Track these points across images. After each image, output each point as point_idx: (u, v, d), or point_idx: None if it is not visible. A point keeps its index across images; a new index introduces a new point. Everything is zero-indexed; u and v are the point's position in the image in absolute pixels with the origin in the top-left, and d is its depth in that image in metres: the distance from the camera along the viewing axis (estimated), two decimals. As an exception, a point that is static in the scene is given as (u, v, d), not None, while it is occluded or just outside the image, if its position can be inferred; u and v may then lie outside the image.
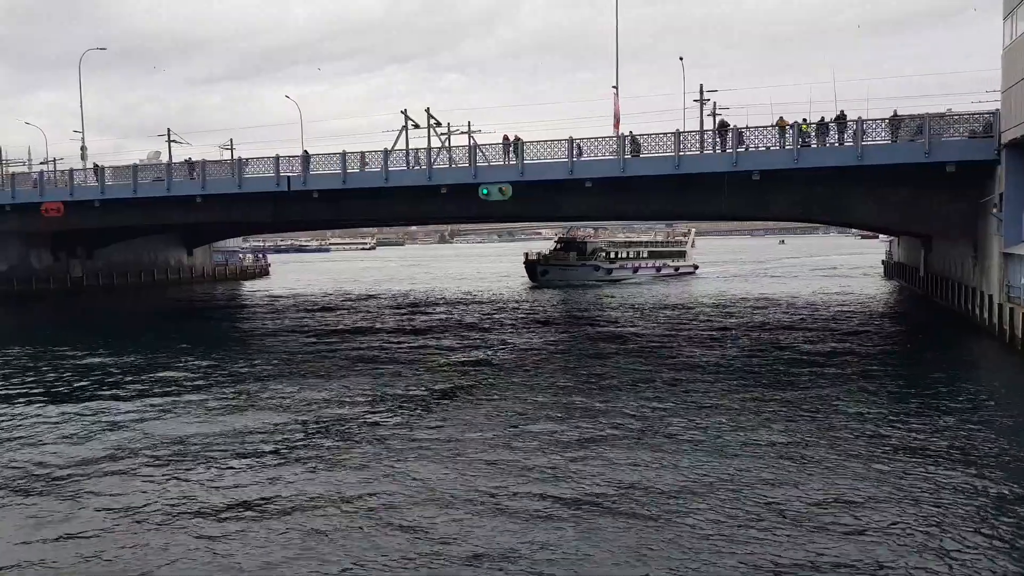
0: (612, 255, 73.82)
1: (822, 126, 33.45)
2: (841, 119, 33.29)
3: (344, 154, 40.87)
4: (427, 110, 51.84)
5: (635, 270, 74.55)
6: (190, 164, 44.78)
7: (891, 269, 67.67)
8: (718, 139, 34.75)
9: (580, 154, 36.45)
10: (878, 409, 19.82)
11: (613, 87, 41.47)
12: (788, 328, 35.81)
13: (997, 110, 31.34)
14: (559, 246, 73.30)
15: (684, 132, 35.09)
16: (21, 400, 22.50)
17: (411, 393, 22.58)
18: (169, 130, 55.49)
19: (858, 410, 19.67)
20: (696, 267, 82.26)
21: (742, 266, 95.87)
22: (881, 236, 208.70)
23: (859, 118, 32.58)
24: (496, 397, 21.89)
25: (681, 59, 45.28)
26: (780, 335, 33.54)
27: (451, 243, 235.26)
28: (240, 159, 43.95)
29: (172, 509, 13.37)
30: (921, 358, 27.49)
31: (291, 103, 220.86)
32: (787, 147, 33.58)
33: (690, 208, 37.82)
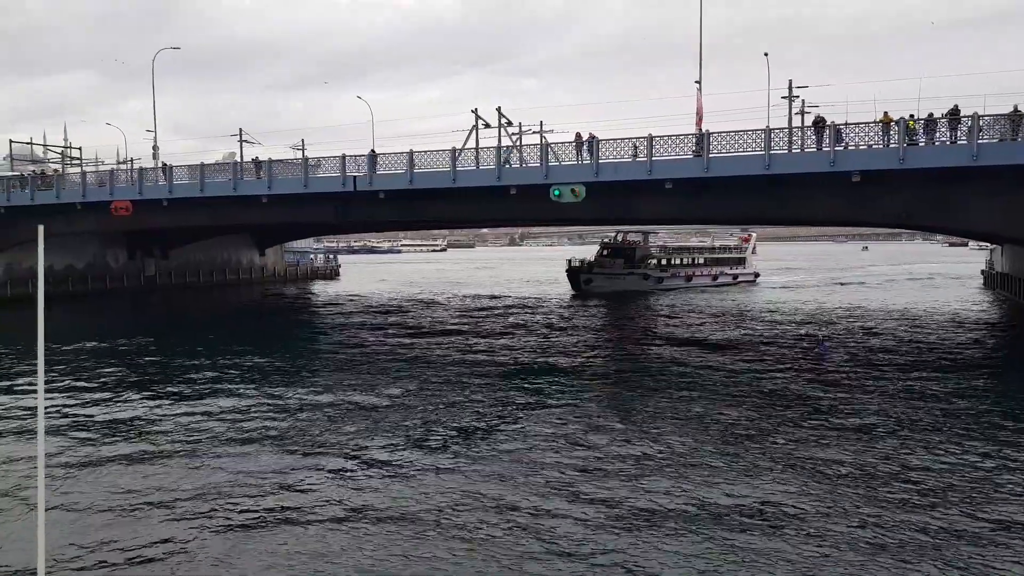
0: (663, 262, 68.36)
1: (931, 122, 30.19)
2: (954, 114, 29.99)
3: (411, 153, 39.41)
4: (498, 109, 50.15)
5: (688, 278, 68.85)
6: (257, 163, 44.08)
7: (993, 279, 62.58)
8: (813, 137, 31.78)
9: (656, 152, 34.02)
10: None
11: (696, 82, 38.81)
12: (884, 355, 32.57)
13: None
14: (605, 252, 66.87)
15: (775, 129, 32.24)
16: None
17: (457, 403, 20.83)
18: (241, 130, 55.35)
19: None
20: (757, 275, 76.77)
21: (815, 274, 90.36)
22: (971, 243, 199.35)
23: (975, 113, 29.22)
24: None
25: (766, 54, 42.37)
26: (874, 365, 30.36)
27: (521, 245, 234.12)
28: (307, 158, 43.02)
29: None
30: None
31: (364, 105, 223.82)
32: (891, 145, 30.44)
33: (781, 212, 34.87)
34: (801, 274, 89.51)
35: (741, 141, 32.68)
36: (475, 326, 40.99)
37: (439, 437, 18.09)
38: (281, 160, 44.10)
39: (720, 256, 74.68)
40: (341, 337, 37.46)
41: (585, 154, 35.74)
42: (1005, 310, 48.76)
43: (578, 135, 36.47)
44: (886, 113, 31.28)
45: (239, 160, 48.97)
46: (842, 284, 72.36)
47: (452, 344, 34.09)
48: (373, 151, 41.31)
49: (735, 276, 73.38)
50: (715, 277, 71.17)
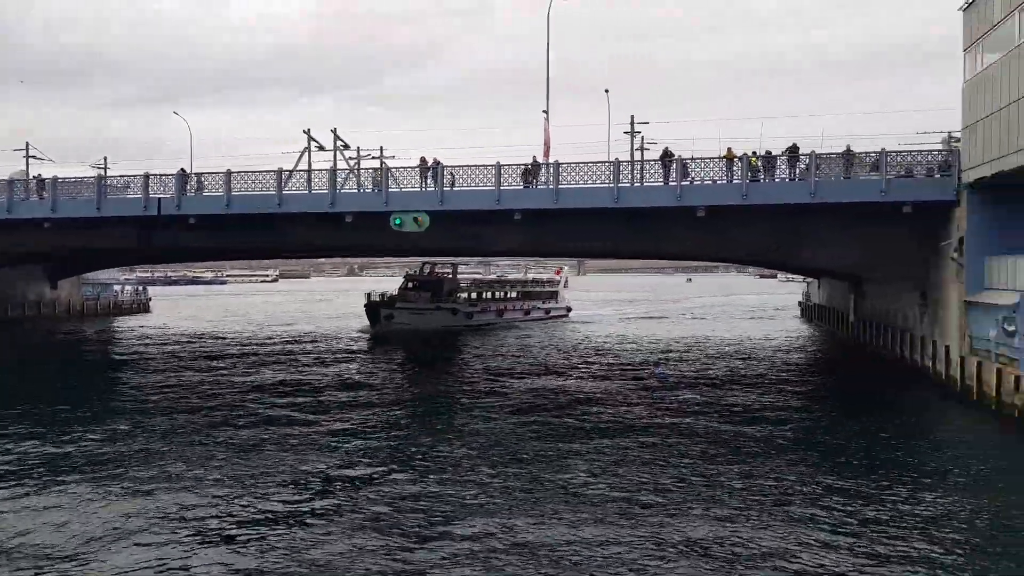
0: (474, 296, 64.15)
1: (771, 159, 30.81)
2: (793, 152, 30.76)
3: (229, 173, 35.32)
4: (334, 130, 47.15)
5: (500, 313, 64.78)
6: (40, 182, 38.10)
7: (811, 311, 66.58)
8: (661, 170, 31.58)
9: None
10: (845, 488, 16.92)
11: (544, 112, 38.01)
12: (710, 385, 32.67)
13: (956, 147, 29.47)
14: (410, 284, 61.08)
15: (624, 161, 31.80)
16: None
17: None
18: (28, 144, 48.30)
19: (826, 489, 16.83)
20: (570, 309, 74.37)
21: (636, 306, 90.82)
22: (779, 276, 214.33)
23: (812, 152, 30.12)
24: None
25: (607, 91, 42.17)
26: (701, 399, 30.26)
27: (361, 276, 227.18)
28: (102, 177, 37.72)
29: None
30: (877, 421, 24.44)
31: (202, 126, 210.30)
32: (735, 181, 30.75)
33: (632, 245, 34.51)
34: (624, 306, 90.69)
35: (589, 172, 31.92)
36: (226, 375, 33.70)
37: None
38: (73, 179, 38.25)
39: (533, 290, 71.18)
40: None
41: (430, 181, 33.68)
42: (826, 340, 51.54)
43: (423, 160, 34.36)
44: (729, 149, 31.67)
45: (24, 177, 42.35)
46: (666, 317, 72.58)
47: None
48: (183, 170, 36.80)
49: (548, 311, 70.31)
50: (528, 311, 67.66)
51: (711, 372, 35.33)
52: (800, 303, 73.95)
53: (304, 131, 48.91)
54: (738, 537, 13.85)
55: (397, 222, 32.90)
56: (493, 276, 79.99)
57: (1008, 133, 24.56)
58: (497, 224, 34.70)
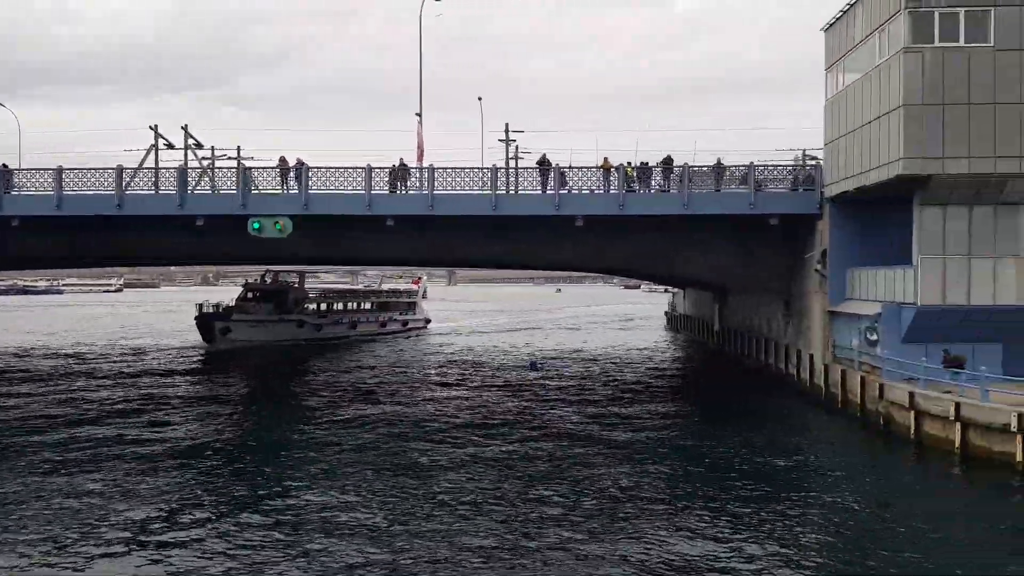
0: (323, 307, 58.87)
1: (646, 170, 30.88)
2: (667, 163, 30.96)
3: (60, 170, 31.49)
4: (184, 127, 43.27)
5: (353, 325, 59.30)
6: None
7: (676, 321, 68.50)
8: (539, 178, 30.95)
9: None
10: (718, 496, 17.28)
11: (417, 115, 36.57)
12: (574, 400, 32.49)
13: (818, 163, 30.58)
14: (248, 294, 54.70)
15: (501, 168, 30.94)
16: None
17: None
18: None
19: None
20: (428, 321, 70.85)
21: (508, 316, 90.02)
22: (643, 287, 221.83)
23: (685, 164, 30.38)
24: None
25: (480, 99, 41.46)
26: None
27: (216, 286, 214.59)
28: None
29: None
30: (744, 427, 24.91)
31: (32, 120, 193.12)
32: (612, 191, 30.58)
33: (510, 255, 33.66)
34: (496, 317, 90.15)
35: (466, 178, 30.85)
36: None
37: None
38: None
39: (389, 300, 66.54)
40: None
41: (292, 183, 31.46)
42: (692, 348, 52.96)
43: (283, 159, 31.98)
44: (606, 159, 31.45)
45: None
46: (539, 328, 71.23)
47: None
48: (5, 165, 32.60)
49: (405, 323, 66.07)
50: (384, 324, 62.69)
51: (585, 383, 35.06)
52: (666, 313, 76.02)
53: (151, 127, 45.03)
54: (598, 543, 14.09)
55: (256, 227, 30.47)
56: (346, 285, 74.75)
57: (869, 150, 25.57)
58: (368, 231, 32.92)
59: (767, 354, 37.54)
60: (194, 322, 51.83)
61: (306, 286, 59.02)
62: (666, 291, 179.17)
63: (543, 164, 30.94)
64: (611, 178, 30.64)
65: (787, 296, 33.92)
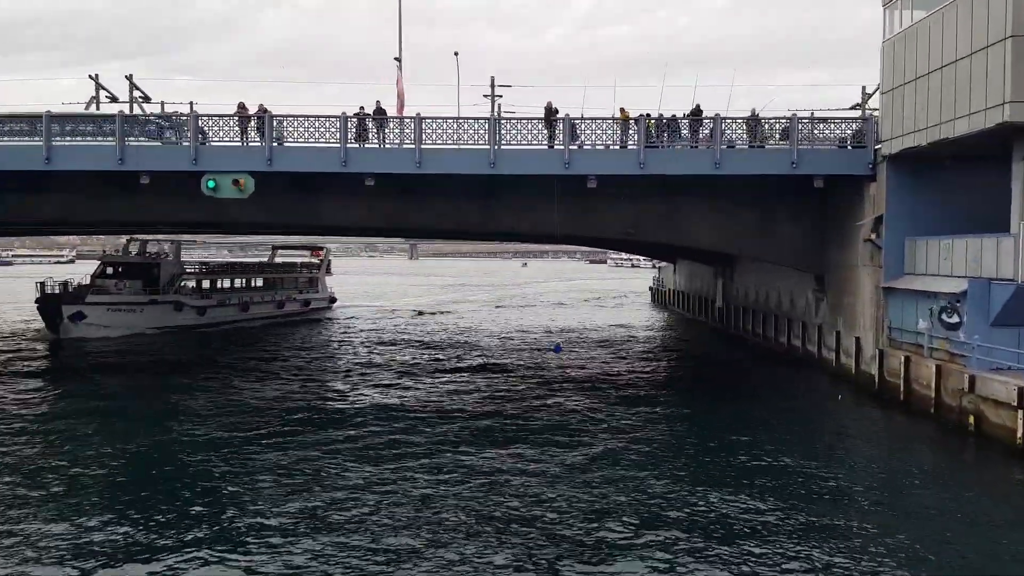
0: (205, 284, 47.71)
1: (671, 122, 26.35)
2: (696, 114, 26.49)
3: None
4: (129, 77, 38.03)
5: (244, 307, 48.40)
6: None
7: (664, 297, 64.31)
8: (545, 132, 26.22)
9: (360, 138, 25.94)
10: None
11: (396, 59, 31.49)
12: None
13: (871, 115, 26.40)
14: (107, 269, 43.55)
15: (505, 117, 26.14)
16: None
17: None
18: None
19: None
20: (333, 300, 60.15)
21: (488, 292, 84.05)
22: (609, 261, 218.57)
23: (717, 115, 25.95)
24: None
25: (456, 54, 36.20)
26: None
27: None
28: None
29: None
30: (798, 426, 20.95)
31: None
32: (631, 146, 26.03)
33: (505, 222, 29.00)
34: (476, 292, 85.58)
35: (460, 130, 25.97)
36: None
37: None
38: None
39: (286, 276, 55.82)
40: None
41: (254, 134, 26.31)
42: (691, 328, 48.91)
43: (241, 106, 26.81)
44: (623, 109, 26.89)
45: None
46: (532, 306, 64.88)
47: None
48: None
49: (307, 302, 55.58)
50: (281, 304, 52.26)
51: (593, 366, 30.76)
52: (651, 288, 71.83)
53: (90, 75, 39.42)
54: None
55: (211, 185, 25.34)
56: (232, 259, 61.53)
57: (953, 95, 21.38)
58: (341, 192, 28.01)
59: (790, 335, 33.60)
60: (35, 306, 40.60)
61: (182, 259, 48.46)
62: (633, 266, 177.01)
63: (549, 114, 26.20)
64: (630, 131, 26.11)
65: (820, 269, 29.89)
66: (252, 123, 26.13)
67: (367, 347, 37.91)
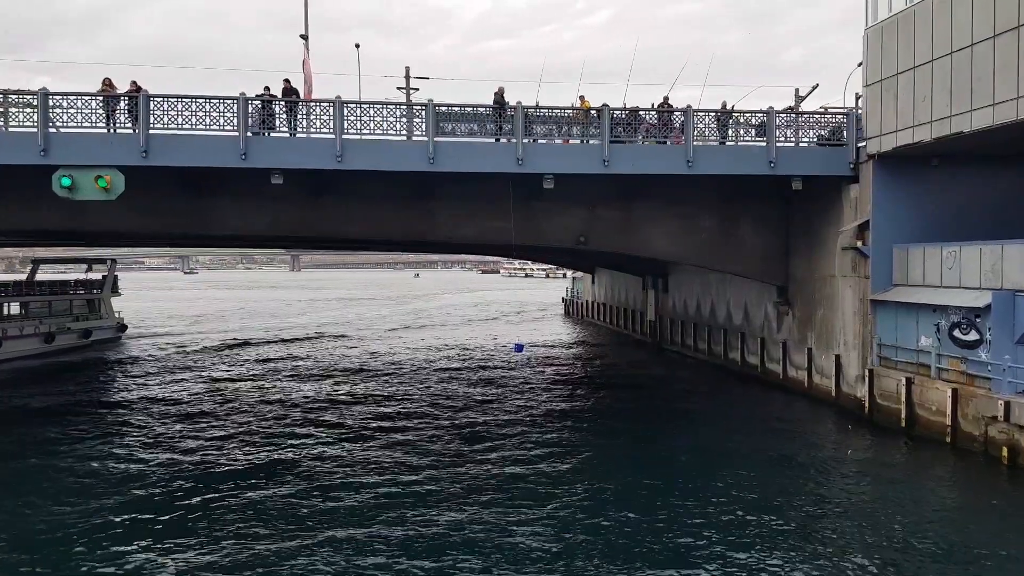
0: None
1: (635, 114, 22.92)
2: (665, 107, 23.18)
3: None
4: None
5: None
6: None
7: (581, 310, 60.93)
8: (496, 118, 22.16)
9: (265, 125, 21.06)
10: None
11: (302, 36, 26.59)
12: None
13: (851, 111, 23.91)
14: None
15: (444, 105, 21.83)
16: None
17: None
18: None
19: None
20: (124, 328, 46.86)
21: (381, 308, 77.01)
22: (502, 271, 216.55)
23: (688, 107, 22.73)
24: None
25: (357, 45, 31.80)
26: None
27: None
28: None
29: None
30: (787, 459, 17.88)
31: None
32: (592, 141, 22.43)
33: (441, 230, 24.67)
34: (375, 308, 79.78)
35: (391, 118, 21.53)
36: None
37: None
38: None
39: (54, 299, 41.52)
40: None
41: (124, 118, 20.85)
42: (622, 345, 45.77)
43: (108, 81, 21.26)
44: (582, 98, 23.28)
45: None
46: (435, 326, 56.57)
47: None
48: None
49: (87, 332, 42.45)
50: (50, 338, 39.23)
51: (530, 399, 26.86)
52: (564, 300, 68.51)
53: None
54: None
55: (65, 182, 19.74)
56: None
57: (961, 86, 18.98)
58: (240, 192, 22.99)
59: (744, 352, 30.96)
60: None
61: None
62: (527, 275, 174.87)
63: (499, 103, 22.21)
64: (592, 123, 22.50)
65: (783, 280, 27.33)
66: (122, 104, 20.68)
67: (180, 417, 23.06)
